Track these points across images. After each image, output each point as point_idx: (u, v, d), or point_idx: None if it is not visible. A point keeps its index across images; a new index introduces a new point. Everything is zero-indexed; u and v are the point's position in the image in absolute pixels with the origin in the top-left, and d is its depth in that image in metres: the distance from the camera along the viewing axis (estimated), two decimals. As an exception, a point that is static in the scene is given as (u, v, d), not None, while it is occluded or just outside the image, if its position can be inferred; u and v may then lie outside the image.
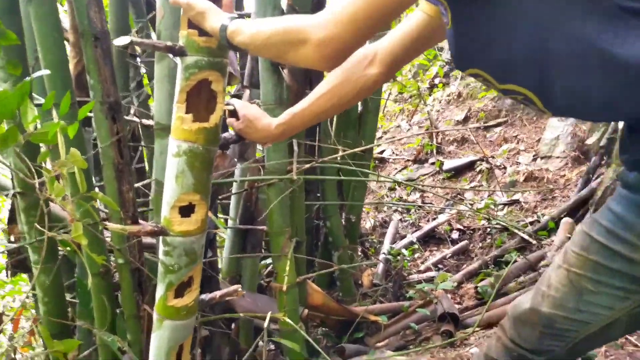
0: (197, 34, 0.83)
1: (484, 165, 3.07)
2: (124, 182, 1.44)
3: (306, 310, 1.92)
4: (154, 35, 2.15)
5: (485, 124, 3.34)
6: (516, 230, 2.34)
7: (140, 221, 1.17)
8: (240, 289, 1.05)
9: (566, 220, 2.25)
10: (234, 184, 1.86)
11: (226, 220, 2.00)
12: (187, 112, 0.86)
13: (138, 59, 2.17)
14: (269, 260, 2.49)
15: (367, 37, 0.77)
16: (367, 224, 3.28)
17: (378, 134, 4.27)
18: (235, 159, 1.73)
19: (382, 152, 3.91)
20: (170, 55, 0.89)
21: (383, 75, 0.99)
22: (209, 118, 0.87)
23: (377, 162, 3.83)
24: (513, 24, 0.73)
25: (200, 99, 0.87)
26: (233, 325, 1.94)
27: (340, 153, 1.81)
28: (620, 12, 0.66)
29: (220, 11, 0.84)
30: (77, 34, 1.52)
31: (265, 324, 1.40)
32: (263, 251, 2.11)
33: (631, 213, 0.81)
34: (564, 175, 2.60)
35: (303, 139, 1.82)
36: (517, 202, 2.65)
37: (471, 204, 2.82)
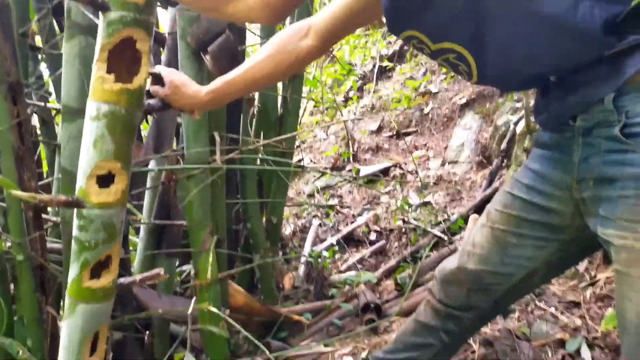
0: (121, -13, 0.78)
1: (398, 171, 3.22)
2: (25, 170, 1.31)
3: (227, 311, 1.86)
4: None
5: (398, 133, 3.52)
6: (429, 228, 2.47)
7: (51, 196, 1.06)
8: (162, 274, 0.99)
9: (473, 217, 2.41)
10: (149, 179, 1.76)
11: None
12: (108, 73, 0.80)
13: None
14: (185, 267, 2.39)
15: None
16: (287, 230, 3.27)
17: (296, 144, 4.31)
18: (152, 151, 1.65)
19: (300, 160, 3.94)
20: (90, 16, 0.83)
21: (317, 47, 1.01)
22: (132, 80, 0.82)
23: (299, 168, 3.85)
24: None
25: (123, 60, 0.82)
26: (147, 333, 1.81)
27: (262, 143, 1.78)
28: None
29: None
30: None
31: (189, 322, 1.33)
32: (180, 255, 2.02)
33: (547, 167, 0.91)
34: (470, 178, 2.80)
35: (224, 131, 1.78)
36: (429, 203, 2.80)
37: (387, 207, 2.93)
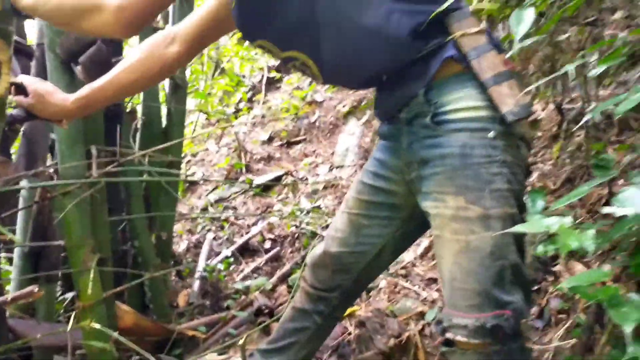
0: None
1: (290, 179, 3.31)
2: None
3: (116, 332, 1.77)
4: None
5: (288, 141, 3.62)
6: (319, 231, 2.58)
7: None
8: (36, 292, 0.95)
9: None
10: (21, 199, 1.64)
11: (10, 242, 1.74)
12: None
13: None
14: (68, 295, 2.22)
15: (159, 7, 0.82)
16: (180, 247, 3.19)
17: (187, 158, 4.22)
18: (22, 161, 1.54)
19: (192, 174, 3.87)
20: None
21: (183, 53, 1.06)
22: (-11, 89, 0.78)
23: (187, 184, 3.77)
24: (287, 2, 0.87)
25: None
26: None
27: (144, 152, 1.75)
28: None
29: None
30: None
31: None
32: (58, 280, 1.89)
33: (385, 155, 1.05)
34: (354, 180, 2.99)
35: (102, 144, 1.72)
36: (319, 207, 2.92)
37: (281, 214, 2.99)
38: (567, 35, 1.49)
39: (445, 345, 0.92)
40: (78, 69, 1.45)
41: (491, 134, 0.87)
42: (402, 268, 1.89)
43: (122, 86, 1.04)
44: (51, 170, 1.58)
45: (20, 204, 1.64)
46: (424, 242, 1.94)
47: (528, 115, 0.87)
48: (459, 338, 0.88)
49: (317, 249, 1.21)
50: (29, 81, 0.98)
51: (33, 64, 1.70)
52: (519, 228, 0.80)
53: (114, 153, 1.67)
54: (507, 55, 0.92)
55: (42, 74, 1.62)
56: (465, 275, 0.89)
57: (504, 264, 0.87)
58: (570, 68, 0.94)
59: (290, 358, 1.25)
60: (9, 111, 0.96)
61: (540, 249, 0.75)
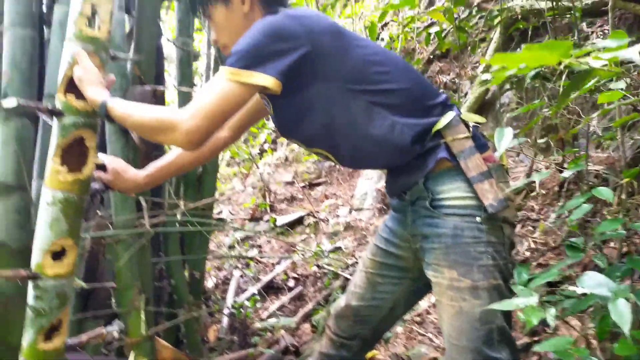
0: (74, 98, 0.97)
1: (312, 219, 3.49)
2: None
3: (156, 367, 1.93)
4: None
5: (310, 183, 3.82)
6: (339, 272, 2.74)
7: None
8: (105, 332, 1.13)
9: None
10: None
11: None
12: (61, 165, 0.97)
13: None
14: (110, 328, 2.40)
15: (220, 126, 1.04)
16: (209, 282, 3.36)
17: (215, 196, 4.44)
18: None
19: (219, 212, 4.08)
20: (43, 116, 1.00)
21: (229, 138, 1.30)
22: (82, 170, 0.99)
23: (219, 225, 3.98)
24: (310, 113, 1.11)
25: (72, 153, 0.99)
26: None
27: (188, 209, 1.95)
28: (371, 105, 1.10)
29: (100, 80, 1.01)
30: None
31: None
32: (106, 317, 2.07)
33: (395, 225, 1.24)
34: (373, 223, 3.14)
35: (149, 195, 1.93)
36: (339, 248, 3.08)
37: (303, 254, 3.16)
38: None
39: None
40: (134, 134, 1.67)
41: (478, 219, 1.06)
42: (417, 315, 2.03)
43: (180, 166, 1.30)
44: (106, 220, 1.78)
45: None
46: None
47: (505, 207, 1.05)
48: None
49: (340, 301, 1.39)
50: (108, 160, 1.20)
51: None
52: (494, 306, 0.98)
53: (157, 204, 1.88)
54: (497, 153, 1.12)
55: (100, 132, 1.87)
56: (459, 334, 1.06)
57: (491, 327, 1.04)
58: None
59: None
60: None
61: (520, 316, 0.92)
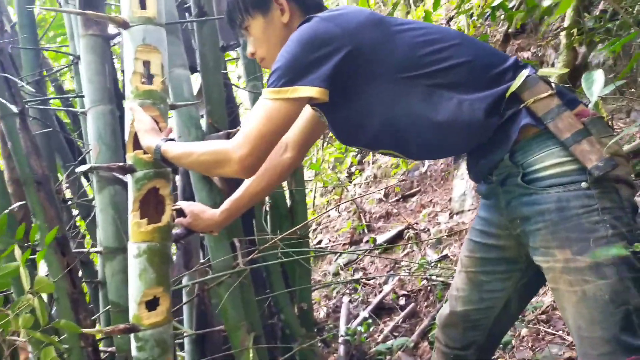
0: (142, 153, 1.01)
1: (411, 232, 3.35)
2: (80, 310, 1.49)
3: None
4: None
5: (403, 195, 3.69)
6: (450, 281, 2.56)
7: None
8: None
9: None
10: (184, 293, 1.94)
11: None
12: (141, 218, 1.01)
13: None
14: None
15: (273, 147, 1.02)
16: (320, 313, 3.35)
17: (312, 227, 4.49)
18: (183, 268, 1.83)
19: (319, 242, 4.10)
20: (120, 175, 1.06)
21: (295, 158, 1.26)
22: (160, 218, 1.02)
23: (316, 252, 3.99)
24: (367, 115, 1.04)
25: (149, 204, 1.03)
26: None
27: (277, 237, 1.97)
28: (430, 89, 0.99)
29: (154, 127, 1.05)
30: (16, 183, 1.65)
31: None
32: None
33: (488, 213, 1.10)
34: (479, 224, 2.94)
35: (242, 235, 1.98)
36: (446, 256, 2.91)
37: (409, 269, 3.03)
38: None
39: None
40: (215, 179, 1.73)
41: (583, 185, 0.91)
42: (542, 313, 1.81)
43: (254, 194, 1.28)
44: (205, 265, 1.85)
45: (184, 298, 1.93)
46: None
47: (614, 166, 0.89)
48: None
49: (444, 309, 1.25)
50: (185, 205, 1.25)
51: (178, 177, 2.06)
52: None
53: (252, 241, 1.91)
54: (590, 104, 0.96)
55: (187, 183, 1.96)
56: (589, 324, 0.90)
57: (628, 308, 0.87)
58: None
59: None
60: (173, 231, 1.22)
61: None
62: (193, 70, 2.04)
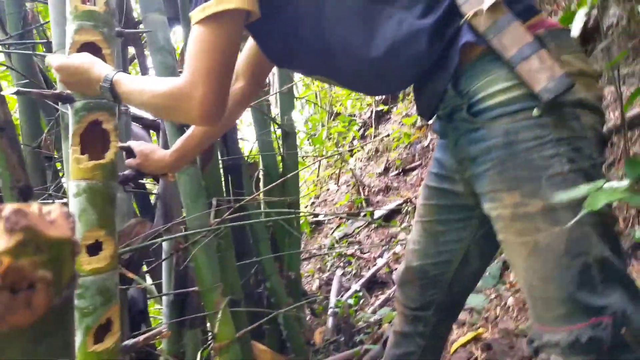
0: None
1: (410, 206, 3.24)
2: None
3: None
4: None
5: (404, 169, 3.58)
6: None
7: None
8: (165, 331, 1.05)
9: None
10: (163, 253, 1.86)
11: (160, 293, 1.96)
12: (82, 154, 0.91)
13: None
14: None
15: (230, 77, 0.87)
16: (313, 286, 3.28)
17: (311, 200, 4.40)
18: (160, 221, 1.75)
19: (317, 216, 4.02)
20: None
21: (248, 86, 1.12)
22: (104, 156, 0.93)
23: (313, 225, 3.91)
24: (298, 26, 0.89)
25: (96, 140, 0.93)
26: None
27: (257, 194, 1.87)
28: (372, 6, 0.83)
29: (101, 64, 0.93)
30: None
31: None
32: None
33: (441, 153, 0.97)
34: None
35: (223, 196, 1.89)
36: (443, 231, 2.81)
37: (405, 243, 2.93)
38: None
39: None
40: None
41: (535, 112, 0.75)
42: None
43: (208, 132, 1.12)
44: (182, 224, 1.76)
45: (163, 258, 1.85)
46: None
47: (568, 86, 0.72)
48: (553, 358, 0.75)
49: (401, 266, 1.14)
50: (135, 144, 1.13)
51: (160, 134, 1.96)
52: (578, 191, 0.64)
53: (235, 202, 1.82)
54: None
55: (166, 142, 1.87)
56: (542, 282, 0.76)
57: (587, 260, 0.73)
58: None
59: None
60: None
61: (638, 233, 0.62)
62: (174, 21, 1.94)
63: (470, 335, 1.43)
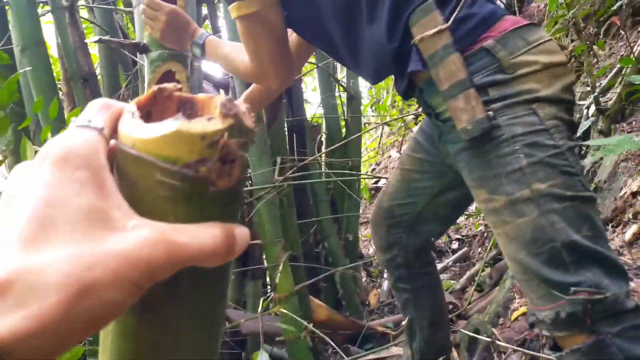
0: (158, 32, 0.95)
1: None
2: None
3: (311, 324, 1.94)
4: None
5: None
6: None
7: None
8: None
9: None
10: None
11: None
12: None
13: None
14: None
15: (284, 49, 0.99)
16: (370, 250, 3.31)
17: (372, 167, 4.38)
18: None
19: (376, 182, 4.00)
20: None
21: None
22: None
23: (372, 192, 3.91)
24: (322, 11, 0.95)
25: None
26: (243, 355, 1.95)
27: (319, 155, 1.89)
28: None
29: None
30: (68, 84, 1.68)
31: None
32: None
33: (431, 128, 1.06)
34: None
35: (287, 155, 1.93)
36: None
37: (468, 213, 2.87)
38: None
39: (552, 349, 0.83)
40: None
41: (464, 136, 0.81)
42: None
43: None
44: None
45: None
46: (632, 226, 1.61)
47: (484, 132, 0.78)
48: (545, 333, 0.81)
49: (373, 207, 1.25)
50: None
51: (229, 92, 2.02)
52: None
53: (298, 162, 1.86)
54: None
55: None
56: (520, 267, 0.81)
57: (554, 245, 0.76)
58: None
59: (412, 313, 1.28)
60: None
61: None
62: None
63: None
